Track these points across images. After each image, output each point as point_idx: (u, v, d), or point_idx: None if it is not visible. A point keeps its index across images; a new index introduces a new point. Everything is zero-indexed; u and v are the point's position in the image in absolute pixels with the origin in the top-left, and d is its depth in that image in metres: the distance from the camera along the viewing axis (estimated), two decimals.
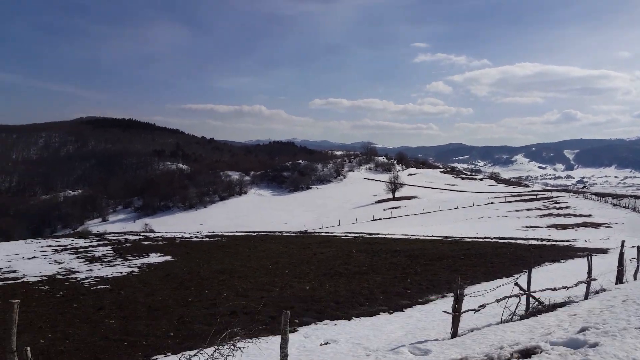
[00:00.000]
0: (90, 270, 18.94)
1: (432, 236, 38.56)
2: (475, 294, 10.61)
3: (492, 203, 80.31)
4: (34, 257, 23.30)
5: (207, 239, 33.36)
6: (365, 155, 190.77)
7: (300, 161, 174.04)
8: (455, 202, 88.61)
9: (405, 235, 39.76)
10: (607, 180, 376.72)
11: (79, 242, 32.13)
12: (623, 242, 13.00)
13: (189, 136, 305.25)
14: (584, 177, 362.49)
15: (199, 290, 14.33)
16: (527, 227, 44.87)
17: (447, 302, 11.87)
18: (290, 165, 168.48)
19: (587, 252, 23.13)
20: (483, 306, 7.84)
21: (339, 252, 24.16)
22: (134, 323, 10.56)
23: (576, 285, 10.54)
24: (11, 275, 17.82)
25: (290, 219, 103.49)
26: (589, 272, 10.89)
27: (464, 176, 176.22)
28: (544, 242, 30.22)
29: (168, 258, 22.43)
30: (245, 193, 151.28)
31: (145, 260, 21.73)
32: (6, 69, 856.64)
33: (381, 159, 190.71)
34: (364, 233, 43.93)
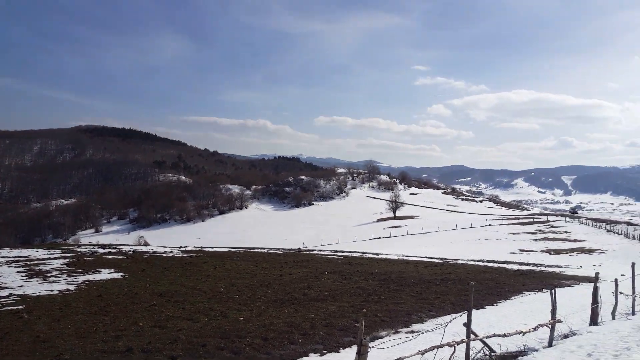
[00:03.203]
0: (22, 286, 17.14)
1: (425, 257, 36.77)
2: (417, 333, 8.72)
3: (490, 225, 78.24)
4: None
5: (181, 255, 31.49)
6: (368, 173, 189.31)
7: (303, 177, 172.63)
8: (454, 223, 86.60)
9: (398, 255, 37.90)
10: (603, 207, 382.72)
11: (41, 253, 30.35)
12: (597, 274, 11.13)
13: (192, 148, 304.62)
14: (581, 203, 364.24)
15: (117, 316, 12.46)
16: (521, 250, 42.87)
17: (395, 339, 9.91)
18: (292, 181, 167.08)
19: (573, 281, 21.21)
20: None
21: (310, 273, 22.25)
22: None
23: (535, 329, 8.59)
24: None
25: (290, 235, 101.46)
26: (553, 311, 8.99)
27: (464, 197, 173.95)
28: (534, 268, 28.16)
29: (118, 275, 20.60)
30: (246, 207, 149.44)
31: (91, 277, 19.92)
32: (1, 72, 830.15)
33: (384, 177, 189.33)
34: (356, 252, 42.04)
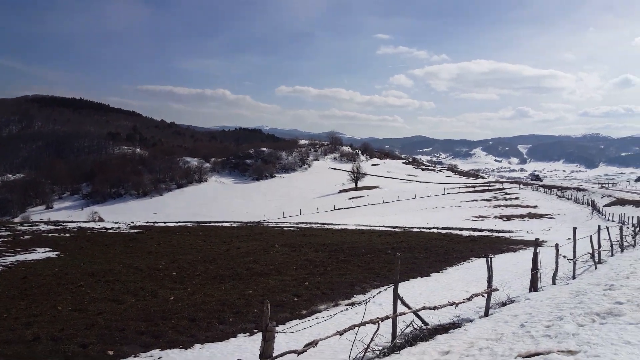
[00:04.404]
0: None
1: (382, 226, 36.87)
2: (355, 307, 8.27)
3: (447, 194, 79.73)
4: None
5: (128, 231, 30.17)
6: (331, 144, 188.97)
7: (264, 149, 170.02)
8: (413, 192, 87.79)
9: (356, 225, 37.89)
10: (556, 174, 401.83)
11: None
12: (537, 239, 10.98)
13: (148, 119, 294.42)
14: (535, 171, 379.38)
15: (36, 300, 11.50)
16: (476, 217, 43.81)
17: (333, 312, 9.46)
18: (253, 153, 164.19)
19: (522, 246, 21.51)
20: (313, 344, 5.40)
21: (260, 246, 21.58)
22: None
23: (469, 299, 8.26)
24: None
25: (251, 209, 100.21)
26: (489, 280, 8.66)
27: (424, 167, 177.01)
28: (486, 233, 28.66)
29: (52, 254, 19.37)
30: (205, 181, 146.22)
31: (23, 257, 18.63)
32: None
33: (346, 148, 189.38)
34: (315, 223, 41.75)
